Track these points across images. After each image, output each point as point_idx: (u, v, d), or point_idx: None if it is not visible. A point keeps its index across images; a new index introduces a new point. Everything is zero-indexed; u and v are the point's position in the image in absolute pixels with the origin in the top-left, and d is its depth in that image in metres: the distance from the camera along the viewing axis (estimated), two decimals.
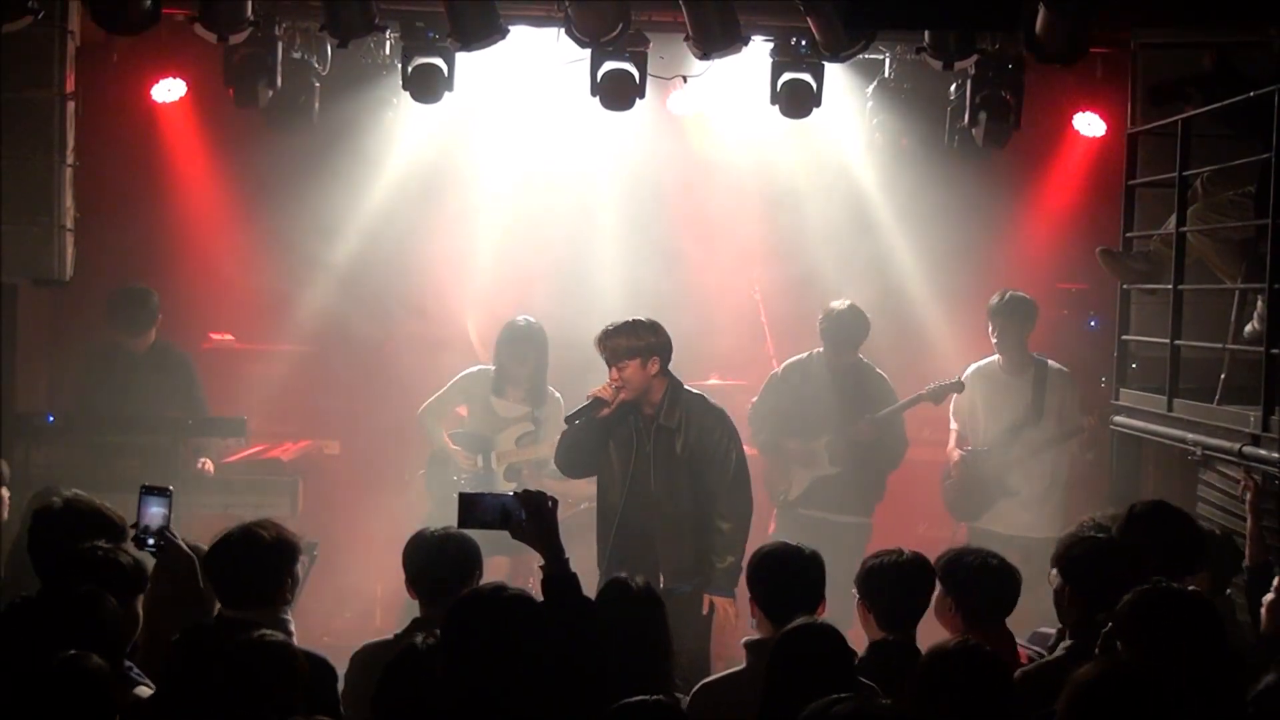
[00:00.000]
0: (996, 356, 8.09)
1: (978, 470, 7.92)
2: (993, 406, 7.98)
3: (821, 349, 8.01)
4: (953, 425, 8.16)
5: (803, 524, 7.65)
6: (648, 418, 6.29)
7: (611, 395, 6.21)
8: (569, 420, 6.36)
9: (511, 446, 7.66)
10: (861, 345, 7.98)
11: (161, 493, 4.67)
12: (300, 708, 3.86)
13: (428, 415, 7.79)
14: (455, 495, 7.46)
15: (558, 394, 7.75)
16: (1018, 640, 5.10)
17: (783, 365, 8.17)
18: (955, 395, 8.04)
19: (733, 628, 6.23)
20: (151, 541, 4.63)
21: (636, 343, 6.18)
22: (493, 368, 7.86)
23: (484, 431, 7.68)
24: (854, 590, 4.90)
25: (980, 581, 4.85)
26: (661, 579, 6.13)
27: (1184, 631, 4.01)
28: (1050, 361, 8.08)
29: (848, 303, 8.02)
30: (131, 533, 4.66)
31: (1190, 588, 4.47)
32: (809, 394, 7.90)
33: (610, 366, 6.25)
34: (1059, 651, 4.62)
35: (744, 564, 6.17)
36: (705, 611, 6.20)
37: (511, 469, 7.69)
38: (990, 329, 8.03)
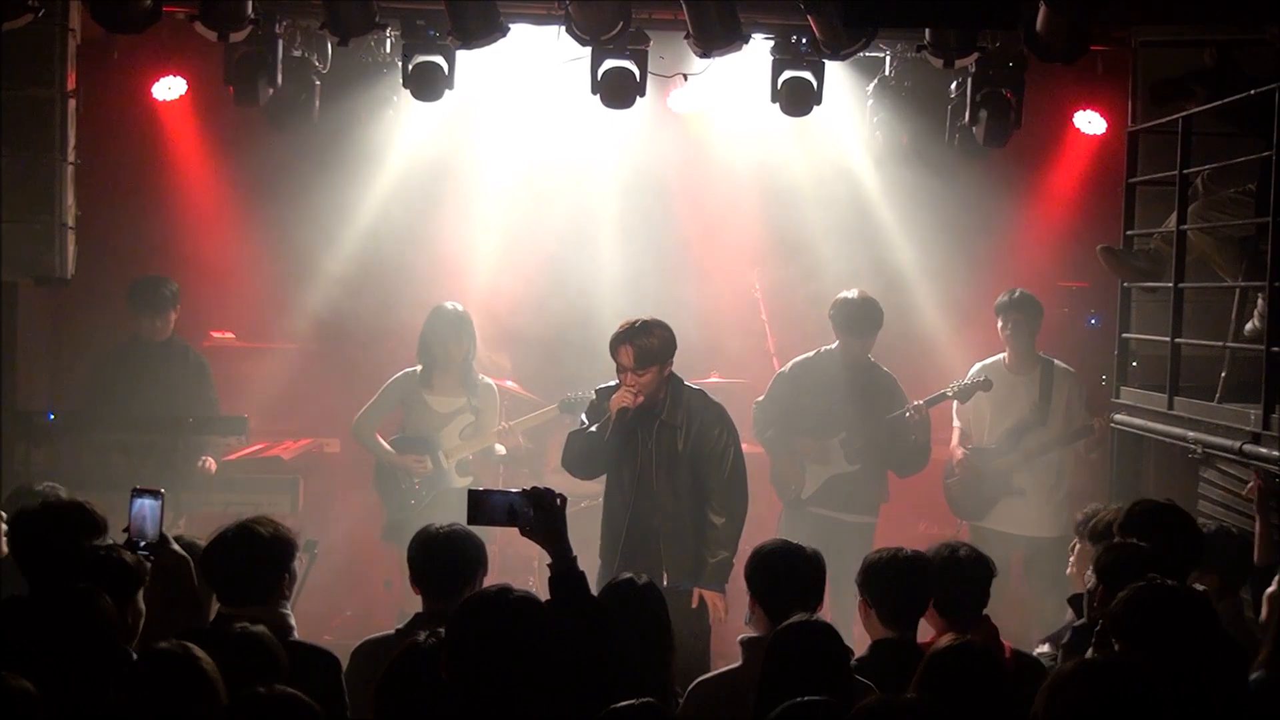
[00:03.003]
0: (1003, 355, 8.08)
1: (982, 469, 7.92)
2: (998, 405, 7.96)
3: (829, 347, 7.97)
4: (956, 423, 8.14)
5: (811, 522, 7.64)
6: (649, 415, 6.28)
7: (632, 402, 6.19)
8: (589, 430, 6.29)
9: (457, 441, 7.66)
10: (876, 335, 7.92)
11: (153, 494, 4.63)
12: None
13: (363, 427, 7.76)
14: (412, 503, 7.57)
15: (488, 380, 7.77)
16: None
17: (791, 363, 8.12)
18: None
19: (722, 623, 6.23)
20: (143, 544, 4.61)
21: (656, 345, 6.17)
22: (419, 367, 7.86)
23: (425, 432, 7.67)
24: (856, 588, 4.91)
25: (955, 574, 4.89)
26: (665, 576, 6.13)
27: (1178, 628, 4.00)
28: (1056, 361, 8.07)
29: (857, 290, 7.98)
30: (124, 537, 4.64)
31: (1200, 587, 4.48)
32: (822, 391, 7.86)
33: (627, 370, 6.19)
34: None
35: (735, 560, 6.22)
36: (694, 605, 6.19)
37: (462, 463, 7.69)
38: (1001, 324, 8.00)
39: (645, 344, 6.15)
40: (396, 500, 7.65)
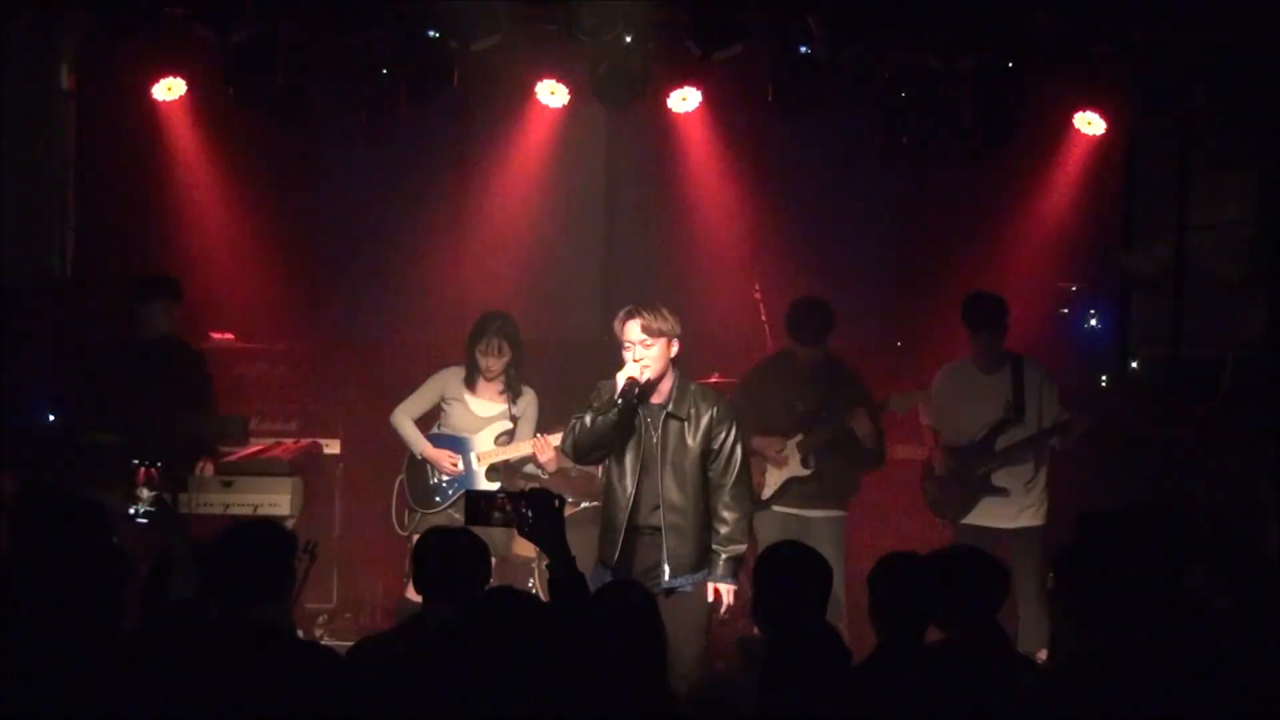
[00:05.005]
0: (970, 356, 8.00)
1: (960, 470, 7.88)
2: (971, 405, 7.88)
3: (792, 347, 7.94)
4: (924, 420, 8.09)
5: (778, 521, 7.58)
6: (656, 407, 6.26)
7: (639, 373, 6.16)
8: (597, 410, 6.24)
9: (491, 446, 7.58)
10: (829, 336, 7.85)
11: (151, 463, 4.68)
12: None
13: (401, 417, 7.68)
14: (437, 499, 7.53)
15: (531, 390, 7.69)
16: None
17: (756, 365, 8.09)
18: (930, 395, 8.00)
19: (731, 619, 6.23)
20: (142, 509, 4.66)
21: (664, 324, 6.17)
22: (464, 367, 7.77)
23: (463, 432, 7.61)
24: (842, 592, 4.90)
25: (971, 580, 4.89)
26: (666, 571, 6.13)
27: (1175, 631, 4.01)
28: (1023, 356, 8.00)
29: (812, 295, 7.93)
30: (130, 506, 4.68)
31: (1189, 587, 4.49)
32: (782, 391, 7.82)
33: (634, 344, 6.18)
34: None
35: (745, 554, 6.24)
36: (710, 599, 6.18)
37: (493, 469, 7.62)
38: (977, 329, 7.91)
39: (652, 316, 6.16)
40: (423, 495, 7.59)
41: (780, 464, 7.66)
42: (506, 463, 7.60)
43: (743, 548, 6.18)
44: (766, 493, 7.70)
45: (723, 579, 6.17)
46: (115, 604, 4.37)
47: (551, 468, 7.47)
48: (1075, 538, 5.08)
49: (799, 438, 7.70)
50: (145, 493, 4.68)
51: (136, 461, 4.74)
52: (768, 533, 6.50)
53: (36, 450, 7.53)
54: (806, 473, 7.68)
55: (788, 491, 7.71)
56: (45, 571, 4.38)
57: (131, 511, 4.71)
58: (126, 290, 7.94)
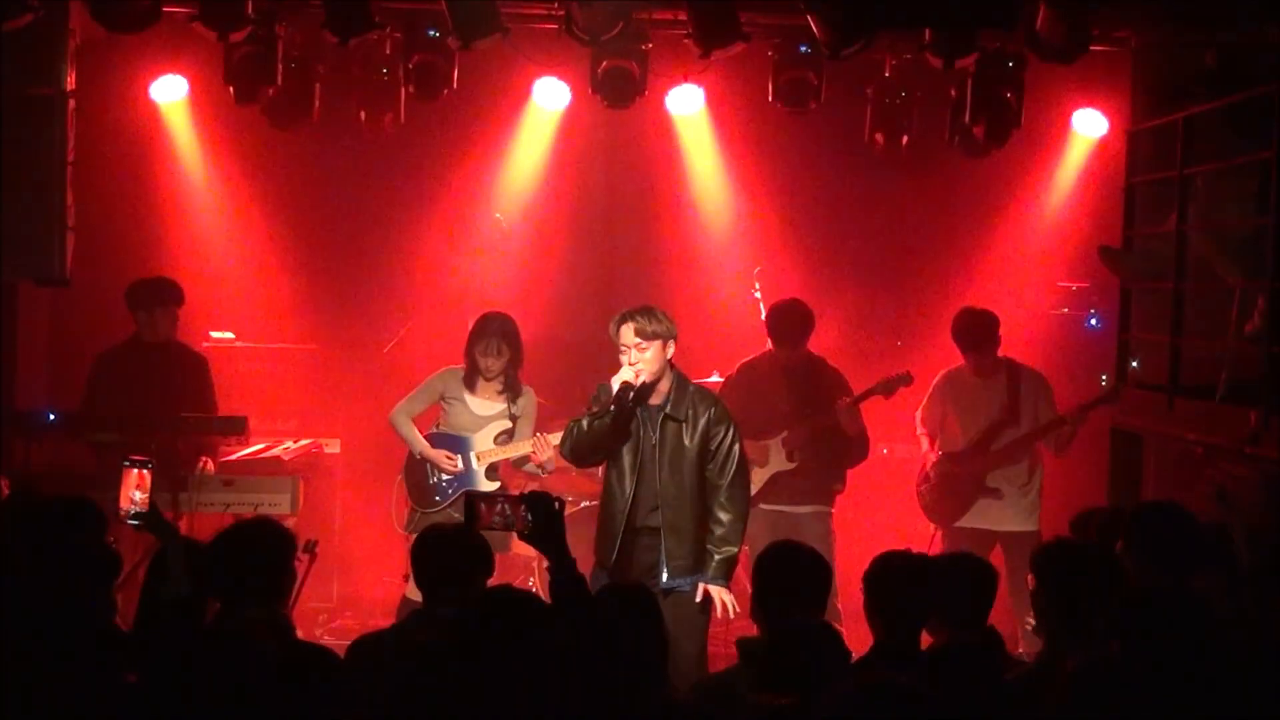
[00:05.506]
0: (965, 362, 8.00)
1: (956, 473, 7.87)
2: (966, 410, 7.89)
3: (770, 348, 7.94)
4: (920, 430, 8.10)
5: (765, 519, 7.57)
6: (654, 409, 6.25)
7: (634, 377, 6.15)
8: (594, 415, 6.24)
9: (491, 445, 7.57)
10: (808, 338, 7.86)
11: (144, 464, 4.68)
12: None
13: (400, 416, 7.67)
14: (437, 499, 7.54)
15: (531, 390, 7.69)
16: None
17: (737, 366, 8.09)
18: (925, 401, 8.00)
19: (726, 620, 6.23)
20: (134, 513, 4.66)
21: (659, 327, 6.17)
22: (464, 366, 7.75)
23: (462, 431, 7.60)
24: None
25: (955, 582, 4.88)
26: (665, 573, 6.12)
27: (1173, 630, 4.01)
28: (1019, 362, 8.01)
29: (790, 299, 7.95)
30: (120, 509, 4.69)
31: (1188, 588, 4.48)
32: (761, 392, 7.81)
33: (629, 348, 6.17)
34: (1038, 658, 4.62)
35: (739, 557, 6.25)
36: (699, 600, 6.17)
37: (492, 468, 7.62)
38: (966, 349, 7.93)
39: (646, 319, 6.15)
40: (422, 494, 7.58)
41: (763, 463, 7.68)
42: (506, 462, 7.59)
43: (736, 549, 6.18)
44: (753, 490, 7.71)
45: (714, 580, 6.16)
46: (108, 603, 4.37)
47: (551, 466, 7.46)
48: (1055, 538, 5.08)
49: (784, 434, 7.72)
50: (137, 494, 4.66)
51: (128, 462, 4.72)
52: (756, 531, 6.52)
53: (37, 451, 7.56)
54: (792, 466, 7.70)
55: (775, 488, 7.72)
56: (37, 572, 4.39)
57: (124, 512, 4.69)
58: (130, 294, 7.95)
